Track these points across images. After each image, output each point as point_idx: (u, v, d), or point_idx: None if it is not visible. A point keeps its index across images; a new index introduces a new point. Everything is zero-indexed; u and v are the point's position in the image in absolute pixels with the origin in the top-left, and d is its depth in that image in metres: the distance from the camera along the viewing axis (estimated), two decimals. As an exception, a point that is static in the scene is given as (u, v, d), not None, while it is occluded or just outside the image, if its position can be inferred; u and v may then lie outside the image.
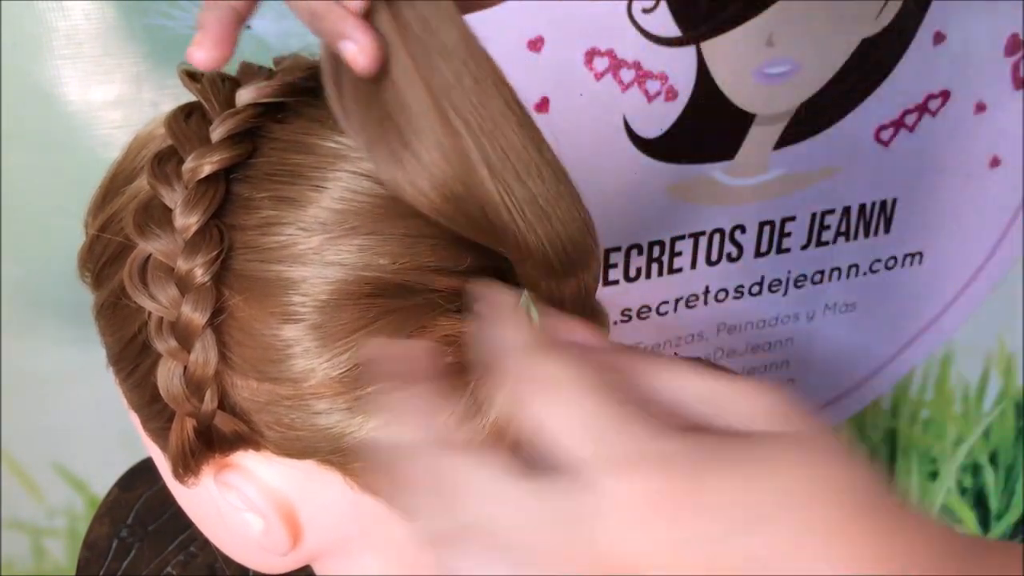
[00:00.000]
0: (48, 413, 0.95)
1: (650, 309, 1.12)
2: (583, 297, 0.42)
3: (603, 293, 1.07)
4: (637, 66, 0.94)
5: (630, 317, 1.11)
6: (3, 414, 0.93)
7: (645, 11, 0.92)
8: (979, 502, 1.51)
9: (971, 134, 1.15)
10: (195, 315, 0.40)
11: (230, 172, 0.41)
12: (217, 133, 0.41)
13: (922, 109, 1.11)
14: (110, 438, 0.95)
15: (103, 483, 0.81)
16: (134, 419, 0.47)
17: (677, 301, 1.13)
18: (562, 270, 0.40)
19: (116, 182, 0.44)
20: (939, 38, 1.06)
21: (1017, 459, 1.48)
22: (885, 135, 1.11)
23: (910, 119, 1.11)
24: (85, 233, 0.46)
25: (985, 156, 1.18)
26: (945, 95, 1.11)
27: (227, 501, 0.45)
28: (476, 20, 0.90)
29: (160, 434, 0.45)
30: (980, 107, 1.13)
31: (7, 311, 0.88)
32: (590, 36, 0.91)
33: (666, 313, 1.13)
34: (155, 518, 0.75)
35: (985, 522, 1.54)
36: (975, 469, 1.48)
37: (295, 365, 0.40)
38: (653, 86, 0.96)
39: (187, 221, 0.40)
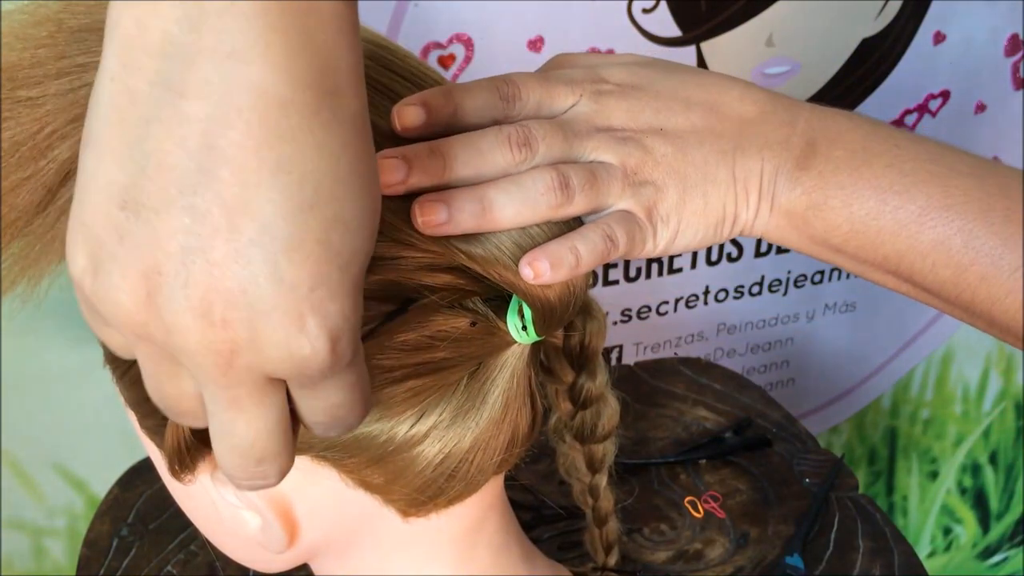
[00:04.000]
0: (48, 413, 0.95)
1: (650, 309, 1.12)
2: (573, 292, 0.43)
3: (603, 293, 1.07)
4: (637, 66, 0.94)
5: (630, 317, 1.11)
6: (3, 414, 0.93)
7: (645, 11, 0.91)
8: (979, 502, 1.51)
9: (971, 134, 1.15)
10: None
11: None
12: None
13: (922, 109, 1.11)
14: (110, 438, 0.95)
15: (103, 483, 0.81)
16: (131, 417, 0.47)
17: (677, 301, 1.13)
18: None
19: None
20: (939, 38, 1.06)
21: (1017, 459, 1.48)
22: (885, 135, 1.11)
23: (910, 119, 1.11)
24: None
25: (985, 156, 1.18)
26: (945, 95, 1.11)
27: (224, 499, 0.45)
28: (477, 20, 0.90)
29: (156, 431, 0.45)
30: (980, 107, 1.13)
31: (7, 311, 0.88)
32: (590, 36, 0.91)
33: (666, 313, 1.13)
34: (155, 517, 0.75)
35: (985, 522, 1.54)
36: (975, 469, 1.48)
37: None
38: (653, 86, 0.96)
39: None
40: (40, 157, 0.41)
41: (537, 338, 0.43)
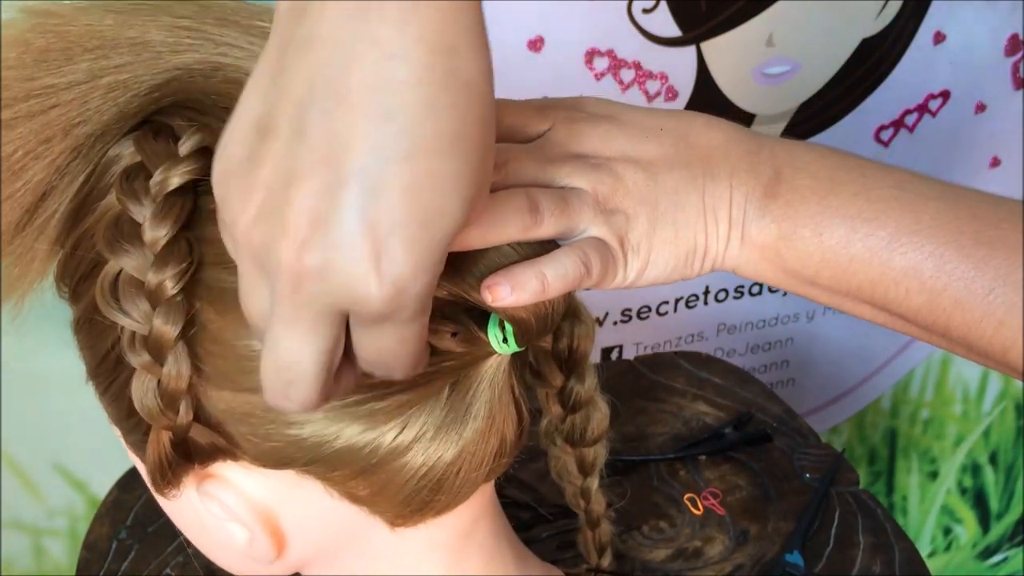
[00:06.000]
0: (48, 413, 0.95)
1: (650, 309, 1.12)
2: (549, 308, 0.43)
3: (603, 293, 1.07)
4: (637, 66, 0.94)
5: (630, 317, 1.11)
6: (3, 414, 0.93)
7: (645, 11, 0.92)
8: (979, 502, 1.51)
9: (971, 134, 1.15)
10: (166, 328, 0.40)
11: (198, 185, 0.41)
12: (186, 146, 0.41)
13: (922, 109, 1.11)
14: (110, 438, 0.94)
15: (103, 483, 0.81)
16: (116, 432, 0.47)
17: (677, 301, 1.13)
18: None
19: (88, 200, 0.44)
20: (939, 38, 1.06)
21: (1017, 459, 1.48)
22: (885, 135, 1.11)
23: (910, 119, 1.11)
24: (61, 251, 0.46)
25: (985, 156, 1.18)
26: (945, 95, 1.11)
27: (210, 512, 0.45)
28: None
29: (140, 447, 0.45)
30: (980, 107, 1.13)
31: (7, 311, 0.88)
32: (590, 36, 0.91)
33: (666, 313, 1.13)
34: (154, 519, 0.75)
35: (985, 522, 1.54)
36: (975, 469, 1.48)
37: None
38: (653, 86, 0.96)
39: (156, 235, 0.40)
40: (15, 179, 0.42)
41: (518, 349, 0.43)
